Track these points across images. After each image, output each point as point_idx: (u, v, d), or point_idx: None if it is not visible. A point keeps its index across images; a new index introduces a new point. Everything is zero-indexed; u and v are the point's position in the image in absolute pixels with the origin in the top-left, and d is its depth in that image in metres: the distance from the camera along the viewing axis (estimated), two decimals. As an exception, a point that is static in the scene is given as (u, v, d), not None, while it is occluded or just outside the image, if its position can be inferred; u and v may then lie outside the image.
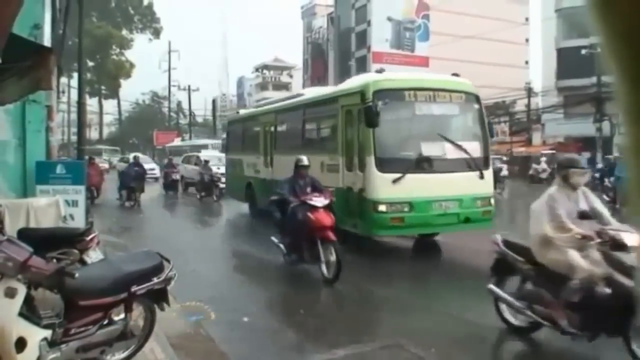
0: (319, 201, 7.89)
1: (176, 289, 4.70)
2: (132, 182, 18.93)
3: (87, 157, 19.94)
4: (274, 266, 8.77)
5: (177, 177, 24.49)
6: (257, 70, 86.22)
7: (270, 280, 8.30)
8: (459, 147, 9.68)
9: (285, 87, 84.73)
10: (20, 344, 3.36)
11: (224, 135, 21.93)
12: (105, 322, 4.00)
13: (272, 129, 14.18)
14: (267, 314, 6.59)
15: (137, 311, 4.33)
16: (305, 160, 8.69)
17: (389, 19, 49.55)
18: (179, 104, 68.82)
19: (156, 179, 30.07)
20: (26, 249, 3.55)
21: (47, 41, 8.55)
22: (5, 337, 3.30)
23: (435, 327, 5.80)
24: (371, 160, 9.28)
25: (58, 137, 13.05)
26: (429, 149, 9.52)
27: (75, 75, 22.96)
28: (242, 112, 19.28)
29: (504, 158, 30.18)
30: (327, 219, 7.75)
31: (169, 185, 24.23)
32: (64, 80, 30.92)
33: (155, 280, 4.21)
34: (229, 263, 10.25)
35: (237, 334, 5.68)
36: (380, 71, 10.48)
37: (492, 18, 49.58)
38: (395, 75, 11.05)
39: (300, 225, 7.81)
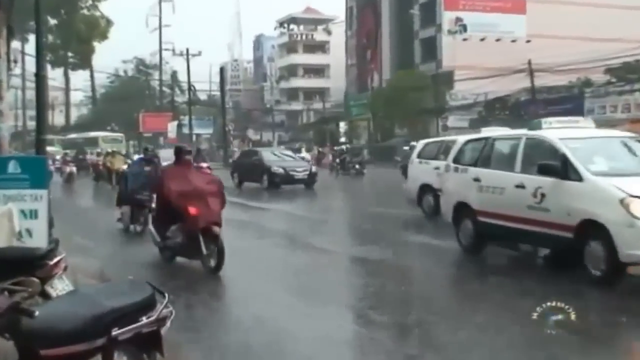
0: None
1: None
2: (139, 191, 14.47)
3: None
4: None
5: None
6: (281, 25, 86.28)
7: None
8: None
9: (322, 47, 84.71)
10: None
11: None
12: (77, 379, 4.03)
13: None
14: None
15: (120, 364, 4.35)
16: None
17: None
18: (174, 74, 69.66)
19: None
20: (-32, 277, 3.60)
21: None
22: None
23: None
24: None
25: (10, 124, 13.30)
26: None
27: (32, 38, 23.46)
28: None
29: None
30: None
31: None
32: (16, 45, 31.59)
33: (145, 320, 4.22)
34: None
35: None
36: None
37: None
38: None
39: None
